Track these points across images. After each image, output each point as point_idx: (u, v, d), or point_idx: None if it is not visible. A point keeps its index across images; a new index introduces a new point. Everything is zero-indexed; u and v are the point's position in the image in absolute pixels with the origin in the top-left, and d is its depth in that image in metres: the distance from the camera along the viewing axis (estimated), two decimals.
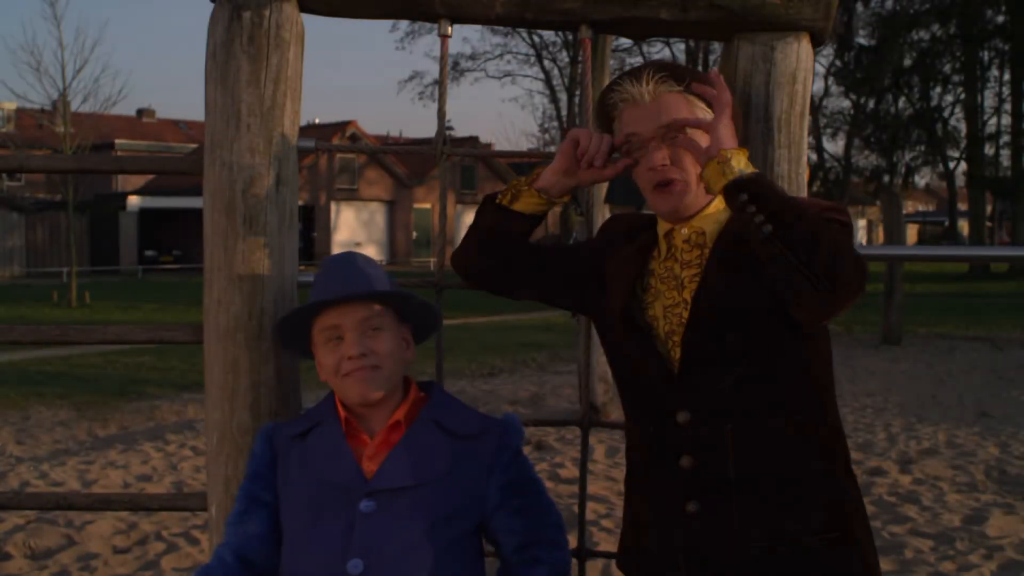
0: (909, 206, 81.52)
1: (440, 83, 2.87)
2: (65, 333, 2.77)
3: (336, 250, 48.78)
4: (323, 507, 2.29)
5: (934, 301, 26.32)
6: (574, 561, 2.70)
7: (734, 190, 2.06)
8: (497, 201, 2.49)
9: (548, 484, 7.51)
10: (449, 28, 2.78)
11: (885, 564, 5.80)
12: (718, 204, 2.23)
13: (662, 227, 2.31)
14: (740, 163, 2.08)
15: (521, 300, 2.63)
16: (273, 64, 2.64)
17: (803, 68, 2.70)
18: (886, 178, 45.10)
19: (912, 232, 71.94)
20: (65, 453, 8.87)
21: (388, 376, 2.33)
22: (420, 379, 2.52)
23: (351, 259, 2.42)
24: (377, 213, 53.50)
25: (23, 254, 38.68)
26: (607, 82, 10.43)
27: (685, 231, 2.25)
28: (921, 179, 57.39)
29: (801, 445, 2.15)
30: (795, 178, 2.69)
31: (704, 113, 2.22)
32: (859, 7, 42.25)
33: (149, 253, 44.22)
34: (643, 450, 2.29)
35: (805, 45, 2.71)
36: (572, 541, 2.58)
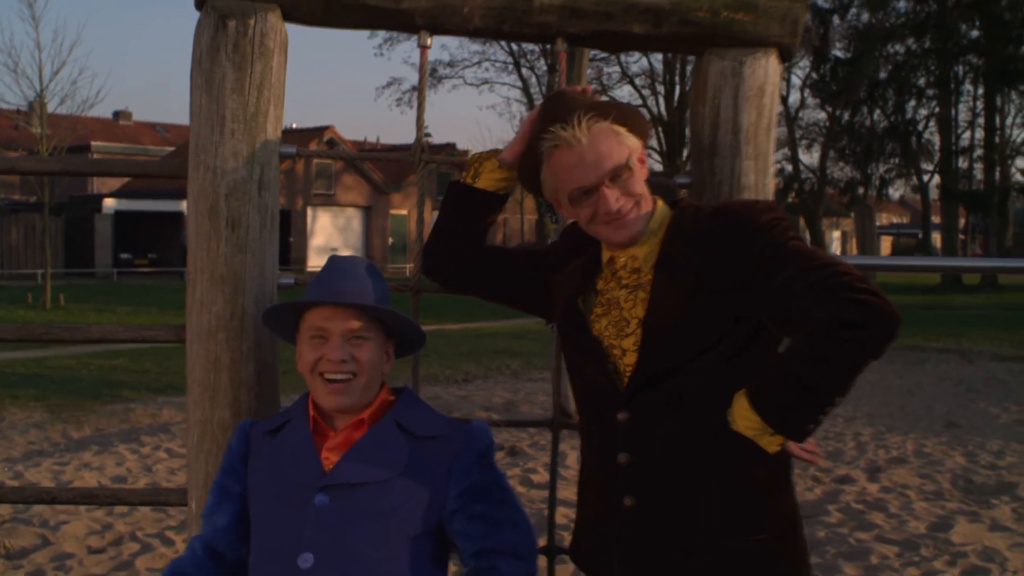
0: (883, 218, 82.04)
1: (419, 92, 2.96)
2: (50, 331, 2.83)
3: (312, 255, 48.87)
4: (283, 501, 2.34)
5: (906, 312, 25.68)
6: (543, 559, 2.78)
7: (791, 437, 2.18)
8: (461, 180, 2.63)
9: (520, 489, 7.62)
10: (428, 39, 2.86)
11: (851, 569, 5.92)
12: (650, 236, 2.34)
13: (605, 253, 2.42)
14: (750, 424, 2.18)
15: (491, 302, 2.73)
16: (257, 72, 2.71)
17: (771, 82, 2.79)
18: (860, 190, 45.35)
19: (886, 244, 72.41)
20: (39, 454, 8.88)
21: (364, 385, 2.39)
22: (396, 384, 2.59)
23: (356, 265, 2.47)
24: (354, 219, 53.49)
25: None
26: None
27: (622, 259, 2.37)
28: (895, 192, 57.76)
29: (735, 448, 2.24)
30: (762, 188, 2.79)
31: (631, 141, 2.31)
32: (835, 20, 42.55)
33: (124, 256, 44.00)
34: (590, 447, 2.43)
35: (773, 60, 2.81)
36: (544, 542, 2.65)
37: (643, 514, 2.29)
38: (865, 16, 42.12)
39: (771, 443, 2.19)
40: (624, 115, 2.32)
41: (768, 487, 2.31)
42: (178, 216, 44.58)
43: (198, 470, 2.78)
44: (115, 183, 53.53)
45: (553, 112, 2.33)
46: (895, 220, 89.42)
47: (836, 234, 72.25)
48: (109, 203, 45.29)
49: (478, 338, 19.36)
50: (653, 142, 51.81)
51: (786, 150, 51.17)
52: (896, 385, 13.90)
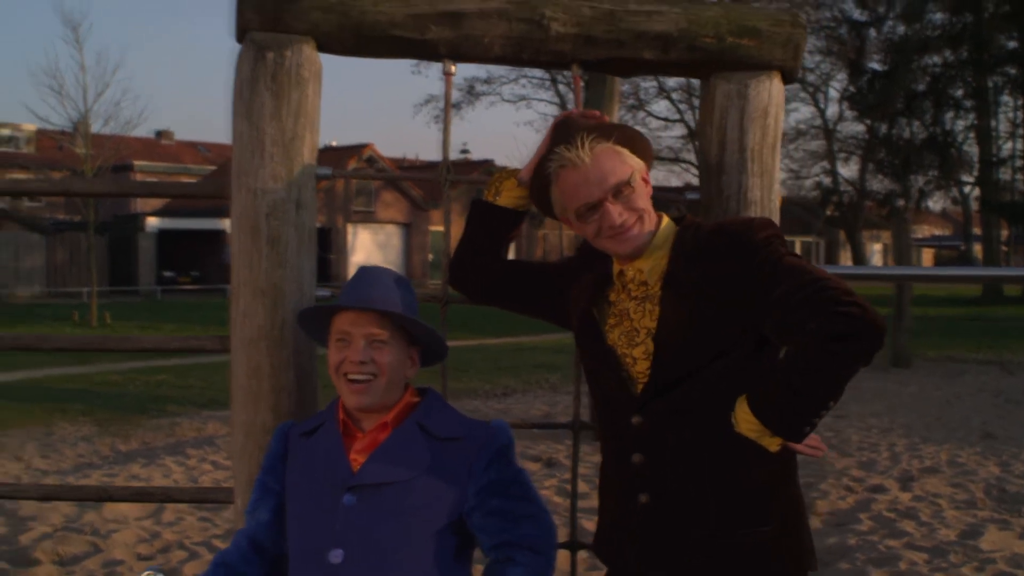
0: (925, 231, 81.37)
1: (445, 116, 3.15)
2: (104, 342, 3.05)
3: (352, 272, 48.93)
4: (316, 500, 2.51)
5: (946, 324, 26.39)
6: (566, 553, 2.95)
7: (789, 438, 2.37)
8: (483, 198, 2.83)
9: (556, 499, 7.76)
10: (452, 67, 3.06)
11: (879, 575, 6.01)
12: (655, 250, 2.52)
13: (615, 267, 2.59)
14: (752, 427, 2.37)
15: (514, 312, 2.91)
16: (294, 100, 2.92)
17: (774, 104, 2.97)
18: (900, 202, 45.14)
19: (928, 256, 71.90)
20: (89, 467, 9.13)
21: (384, 387, 2.53)
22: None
23: (382, 275, 2.63)
24: (393, 235, 53.77)
25: (44, 274, 39.05)
26: (616, 110, 10.60)
27: (631, 272, 2.54)
28: (935, 204, 57.38)
29: (739, 449, 2.41)
30: (767, 203, 2.96)
31: (633, 161, 2.50)
32: (871, 33, 42.50)
33: (167, 274, 44.52)
34: (607, 449, 2.61)
35: (776, 83, 2.98)
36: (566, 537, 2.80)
37: (656, 511, 2.46)
38: (901, 28, 42.01)
39: (772, 443, 2.37)
40: (627, 137, 2.50)
41: (771, 484, 2.47)
42: (219, 234, 45.05)
43: (242, 469, 2.98)
44: (158, 202, 54.17)
45: (560, 135, 2.52)
46: (937, 232, 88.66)
47: (877, 247, 71.75)
48: (152, 222, 45.87)
49: (518, 352, 19.52)
50: (691, 156, 51.91)
51: (825, 163, 50.99)
52: (935, 396, 13.92)
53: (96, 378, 15.29)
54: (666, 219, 2.55)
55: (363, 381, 2.51)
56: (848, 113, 47.49)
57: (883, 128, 43.92)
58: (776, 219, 2.99)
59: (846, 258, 61.71)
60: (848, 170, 51.36)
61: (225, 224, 40.59)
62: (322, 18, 2.90)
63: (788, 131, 59.95)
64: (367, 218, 51.63)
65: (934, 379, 15.87)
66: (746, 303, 2.35)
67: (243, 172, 2.93)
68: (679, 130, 49.94)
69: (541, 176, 2.59)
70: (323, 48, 2.99)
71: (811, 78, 50.53)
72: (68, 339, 3.06)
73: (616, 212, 2.45)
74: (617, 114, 12.23)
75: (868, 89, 42.05)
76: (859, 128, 48.17)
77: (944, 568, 6.17)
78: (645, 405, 2.46)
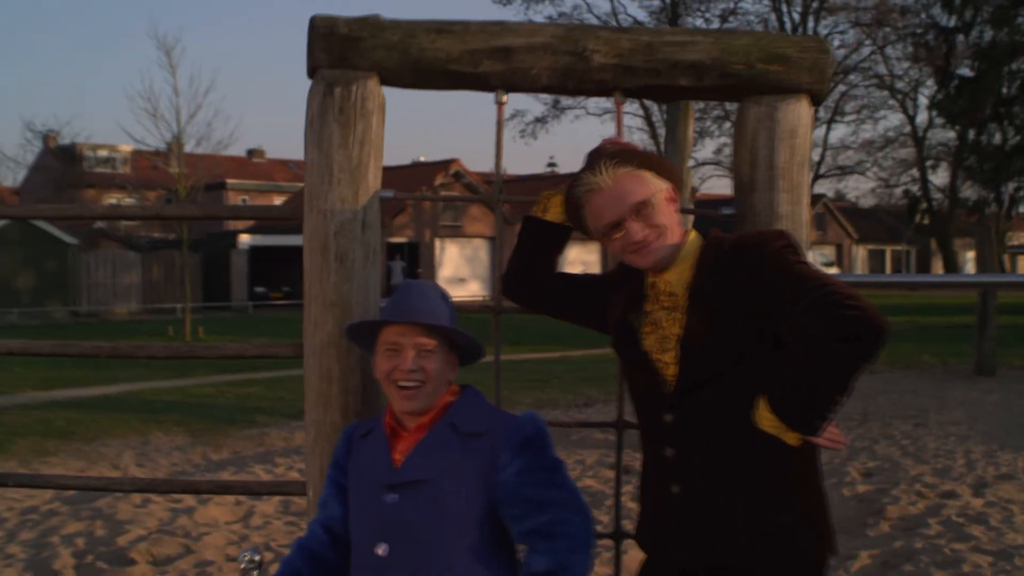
0: (1022, 237, 79.66)
1: (496, 143, 3.42)
2: (192, 350, 3.37)
3: (441, 286, 49.38)
4: (364, 496, 2.76)
5: None
6: (609, 542, 3.19)
7: (805, 433, 2.58)
8: (533, 212, 3.10)
9: (631, 504, 7.90)
10: (504, 97, 3.34)
11: None
12: (681, 263, 2.76)
13: (648, 279, 2.83)
14: (771, 423, 2.59)
15: (561, 320, 3.17)
16: (359, 130, 3.21)
17: (803, 124, 3.19)
18: (991, 209, 44.42)
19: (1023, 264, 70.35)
20: (182, 474, 9.54)
21: (431, 392, 2.75)
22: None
23: (425, 289, 2.86)
24: (481, 249, 54.12)
25: (139, 291, 39.96)
26: (691, 121, 10.82)
27: (660, 284, 2.79)
28: None
29: (766, 446, 2.63)
30: (796, 217, 3.19)
31: (655, 182, 2.74)
32: (959, 38, 41.96)
33: (259, 289, 45.27)
34: (645, 445, 2.86)
35: (804, 105, 3.21)
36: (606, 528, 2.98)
37: (688, 500, 2.71)
38: (989, 34, 41.42)
39: (791, 438, 2.59)
40: (648, 161, 2.75)
41: (795, 477, 2.70)
42: None
43: (314, 464, 3.27)
44: (250, 220, 55.17)
45: (588, 162, 2.78)
46: None
47: (971, 254, 70.40)
48: (244, 239, 46.71)
49: (601, 363, 19.64)
50: None
51: (914, 171, 50.30)
52: (1017, 405, 13.80)
53: (190, 391, 15.79)
54: (693, 234, 2.79)
55: (413, 387, 2.72)
56: (937, 120, 46.91)
57: (972, 134, 43.29)
58: (805, 232, 3.22)
59: (937, 267, 60.67)
60: (939, 177, 50.68)
61: None
62: (385, 55, 3.19)
63: (876, 139, 59.22)
64: (455, 232, 52.04)
65: (1020, 388, 15.70)
66: (762, 310, 2.58)
67: (314, 196, 3.23)
68: None
69: (572, 200, 2.84)
70: (385, 82, 3.28)
71: (900, 85, 49.98)
72: (160, 347, 3.39)
73: (636, 229, 2.70)
74: (692, 127, 12.46)
75: (956, 95, 41.50)
76: (949, 135, 47.59)
77: (1007, 571, 6.24)
78: (675, 404, 2.70)
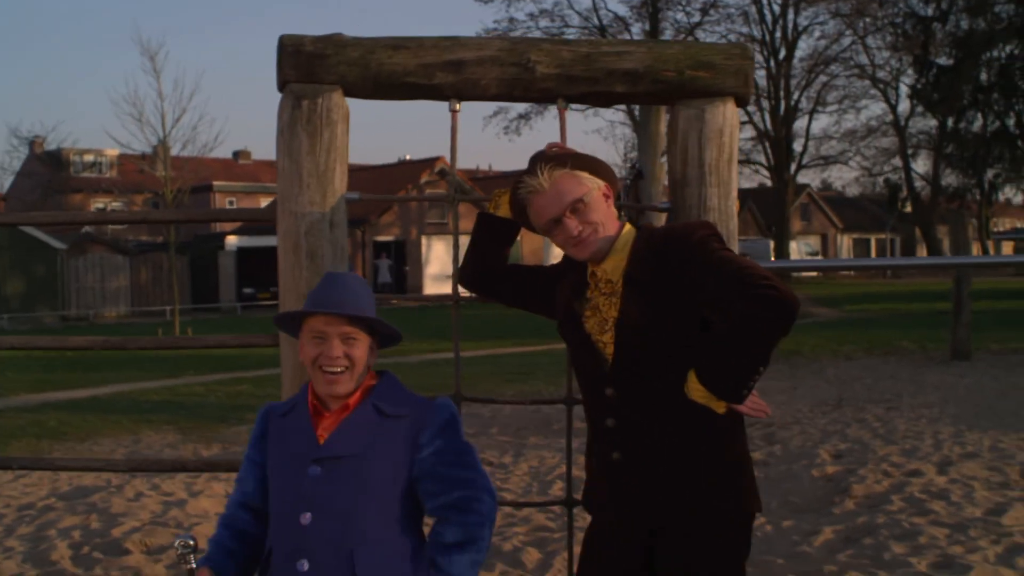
0: (1006, 223, 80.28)
1: (451, 151, 3.73)
2: (176, 342, 3.67)
3: (428, 283, 49.58)
4: (288, 470, 2.95)
5: (1007, 316, 26.20)
6: (561, 508, 3.47)
7: (731, 400, 2.90)
8: (487, 211, 3.41)
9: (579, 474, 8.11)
10: (457, 105, 3.65)
11: (899, 548, 6.32)
12: (617, 253, 3.05)
13: (588, 269, 3.13)
14: (700, 393, 2.91)
15: (512, 307, 3.47)
16: (325, 138, 3.52)
17: (729, 124, 3.50)
18: (972, 195, 44.77)
19: (1008, 249, 70.85)
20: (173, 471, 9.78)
21: (355, 376, 2.95)
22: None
23: (349, 280, 3.03)
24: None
25: (128, 294, 40.07)
26: (663, 119, 11.17)
27: (599, 273, 3.08)
28: (1014, 196, 56.69)
29: (694, 414, 2.95)
30: (725, 210, 3.50)
31: (590, 181, 3.04)
32: (937, 27, 42.29)
33: (247, 290, 45.32)
34: (588, 416, 3.17)
35: (730, 107, 3.52)
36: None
37: (627, 465, 3.02)
38: (965, 23, 41.74)
39: (719, 406, 2.91)
40: (583, 162, 3.05)
41: (721, 441, 3.01)
42: None
43: None
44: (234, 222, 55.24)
45: (531, 166, 3.08)
46: (1019, 225, 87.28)
47: None
48: (231, 240, 46.73)
49: None
50: (760, 156, 51.87)
51: (896, 160, 50.58)
52: (990, 387, 14.05)
53: (179, 390, 16.00)
54: (627, 226, 3.10)
55: (338, 372, 2.89)
56: (918, 109, 47.25)
57: (952, 122, 43.61)
58: (733, 223, 3.53)
59: (922, 254, 61.01)
60: (921, 165, 51.02)
61: None
62: (347, 70, 3.51)
63: (859, 128, 59.54)
64: (441, 230, 52.23)
65: (993, 371, 15.88)
66: (689, 293, 2.89)
67: (286, 199, 3.54)
68: (748, 132, 50.07)
69: (517, 201, 3.15)
70: (349, 94, 3.59)
71: (881, 74, 50.30)
72: (148, 340, 3.69)
73: (573, 225, 3.01)
74: (664, 125, 12.81)
75: (935, 84, 41.83)
76: (930, 123, 47.92)
77: (962, 541, 6.44)
78: (615, 379, 3.01)
